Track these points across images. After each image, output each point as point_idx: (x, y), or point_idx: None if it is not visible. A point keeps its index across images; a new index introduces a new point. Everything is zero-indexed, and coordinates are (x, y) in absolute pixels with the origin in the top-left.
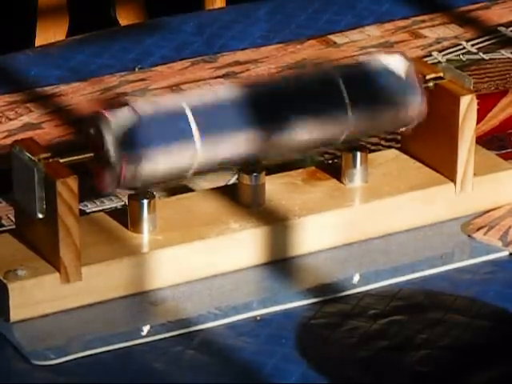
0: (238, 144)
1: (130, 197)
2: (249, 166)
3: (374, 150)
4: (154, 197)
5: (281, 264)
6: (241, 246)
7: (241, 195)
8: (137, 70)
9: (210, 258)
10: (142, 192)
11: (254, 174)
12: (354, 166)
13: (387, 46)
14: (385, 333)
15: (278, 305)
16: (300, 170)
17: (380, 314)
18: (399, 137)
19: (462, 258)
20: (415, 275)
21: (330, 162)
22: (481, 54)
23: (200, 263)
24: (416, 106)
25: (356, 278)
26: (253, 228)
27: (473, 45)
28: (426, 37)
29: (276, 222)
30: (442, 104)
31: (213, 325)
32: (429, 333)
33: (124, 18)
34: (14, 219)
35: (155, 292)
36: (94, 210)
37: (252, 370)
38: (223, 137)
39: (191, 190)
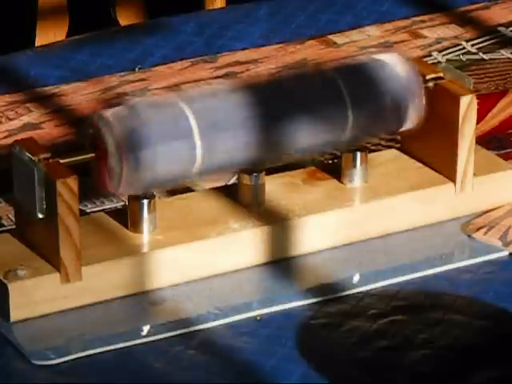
0: (238, 144)
1: (129, 197)
2: (249, 166)
3: (374, 150)
4: (154, 197)
5: (281, 264)
6: (241, 246)
7: (241, 195)
8: (137, 70)
9: (210, 258)
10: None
11: (254, 174)
12: (354, 166)
13: (387, 46)
14: (385, 333)
15: (278, 305)
16: (300, 170)
17: (380, 313)
18: (399, 137)
19: (462, 258)
20: (415, 275)
21: (330, 161)
22: (481, 53)
23: (200, 263)
24: (416, 107)
25: (356, 278)
26: (253, 228)
27: (473, 45)
28: (426, 37)
29: (276, 221)
30: (442, 104)
31: (213, 325)
32: (429, 333)
33: (124, 18)
34: (14, 219)
35: (155, 292)
36: (94, 210)
37: (252, 369)
38: (224, 137)
39: (191, 190)
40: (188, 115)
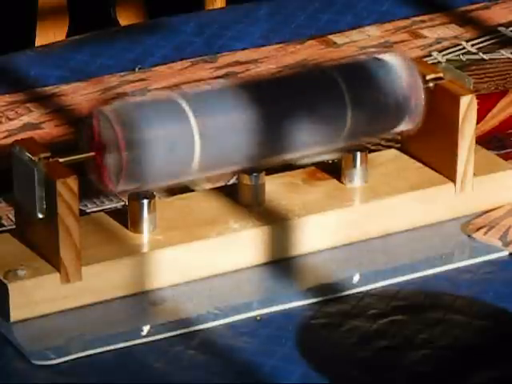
0: (237, 143)
1: (129, 197)
2: (248, 165)
3: (374, 150)
4: (154, 197)
5: (281, 264)
6: (241, 246)
7: (241, 195)
8: (137, 70)
9: (210, 258)
10: (142, 191)
11: (254, 174)
12: (354, 166)
13: (387, 46)
14: (385, 333)
15: (278, 305)
16: (300, 170)
17: (380, 314)
18: (399, 137)
19: (462, 258)
20: (415, 275)
21: (330, 162)
22: (481, 54)
23: (200, 263)
24: (416, 106)
25: (356, 278)
26: (253, 228)
27: (473, 45)
28: (426, 37)
29: (276, 221)
30: (442, 104)
31: (213, 325)
32: (429, 333)
33: (124, 18)
34: (14, 219)
35: (155, 292)
36: (94, 210)
37: (252, 369)
38: (223, 135)
39: (191, 190)
40: (188, 113)
